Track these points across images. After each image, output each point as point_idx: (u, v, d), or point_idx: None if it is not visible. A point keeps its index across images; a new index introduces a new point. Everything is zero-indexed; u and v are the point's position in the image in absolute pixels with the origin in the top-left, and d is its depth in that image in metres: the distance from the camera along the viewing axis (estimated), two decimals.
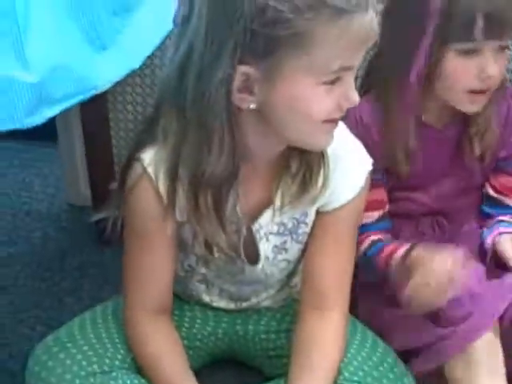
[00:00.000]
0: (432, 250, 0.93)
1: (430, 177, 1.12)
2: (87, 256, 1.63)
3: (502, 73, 1.04)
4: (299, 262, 0.96)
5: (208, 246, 0.87)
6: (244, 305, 0.99)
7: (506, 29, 0.98)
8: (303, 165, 0.85)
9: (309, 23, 0.71)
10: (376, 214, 1.09)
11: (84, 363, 0.87)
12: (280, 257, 0.93)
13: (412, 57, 1.01)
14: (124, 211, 0.86)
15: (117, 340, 0.92)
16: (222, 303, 0.99)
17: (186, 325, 0.99)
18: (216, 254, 0.88)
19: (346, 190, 0.88)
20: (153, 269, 0.88)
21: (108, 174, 1.58)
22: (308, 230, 0.91)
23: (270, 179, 0.87)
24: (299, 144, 0.82)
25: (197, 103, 0.75)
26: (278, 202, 0.87)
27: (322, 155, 0.85)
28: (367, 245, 1.07)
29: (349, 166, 0.88)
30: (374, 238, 1.08)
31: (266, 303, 1.00)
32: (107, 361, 0.89)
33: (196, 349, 0.99)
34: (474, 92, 1.02)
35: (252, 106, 0.75)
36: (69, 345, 0.91)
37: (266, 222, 0.89)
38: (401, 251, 1.00)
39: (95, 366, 0.88)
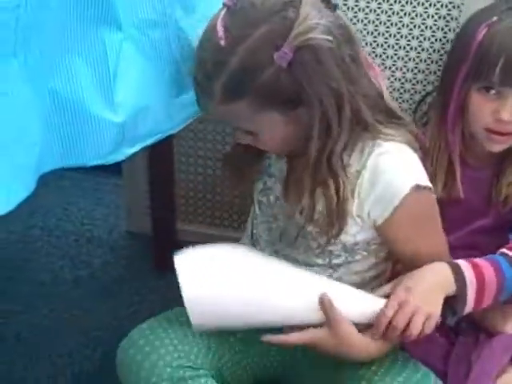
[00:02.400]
0: None
1: (466, 213, 1.16)
2: (145, 282, 1.69)
3: None
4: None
5: None
6: None
7: None
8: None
9: None
10: None
11: (175, 355, 0.95)
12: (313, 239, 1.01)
13: (451, 94, 1.10)
14: None
15: (199, 340, 1.00)
16: None
17: (244, 339, 1.07)
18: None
19: (389, 200, 0.94)
20: None
21: (168, 204, 1.66)
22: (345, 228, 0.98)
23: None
24: None
25: None
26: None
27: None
28: None
29: (390, 179, 0.94)
30: None
31: None
32: (192, 357, 0.97)
33: (250, 364, 1.07)
34: (491, 131, 1.08)
35: None
36: (162, 335, 0.98)
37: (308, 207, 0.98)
38: None
39: (184, 360, 0.95)
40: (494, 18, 1.07)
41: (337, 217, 0.94)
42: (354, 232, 0.99)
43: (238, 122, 0.95)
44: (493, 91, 1.06)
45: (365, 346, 0.94)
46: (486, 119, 1.08)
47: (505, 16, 1.07)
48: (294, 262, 1.03)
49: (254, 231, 1.13)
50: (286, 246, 1.05)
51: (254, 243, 1.13)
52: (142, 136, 0.89)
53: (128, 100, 0.84)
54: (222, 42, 0.86)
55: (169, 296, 1.62)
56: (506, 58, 1.03)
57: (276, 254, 1.07)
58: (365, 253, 1.03)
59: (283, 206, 1.03)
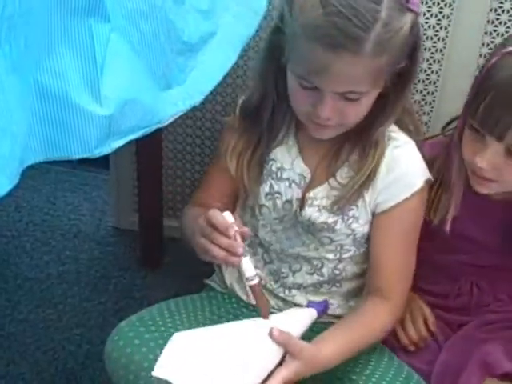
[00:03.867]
0: None
1: (472, 242, 1.11)
2: (131, 278, 1.68)
3: (499, 174, 0.99)
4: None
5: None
6: (282, 282, 1.09)
7: (501, 127, 0.93)
8: (357, 147, 1.01)
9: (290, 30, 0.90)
10: None
11: None
12: (326, 233, 1.03)
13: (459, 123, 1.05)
14: None
15: None
16: (264, 273, 1.10)
17: None
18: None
19: (401, 189, 1.00)
20: (214, 180, 1.11)
21: (155, 200, 1.65)
22: (358, 214, 1.02)
23: (332, 157, 1.02)
24: None
25: None
26: (333, 180, 1.01)
27: (376, 145, 0.99)
28: None
29: (406, 170, 1.00)
30: None
31: (298, 296, 1.09)
32: None
33: None
34: (472, 172, 1.01)
35: None
36: (152, 328, 0.98)
37: (321, 195, 1.02)
38: None
39: None
40: (511, 48, 0.96)
41: (361, 185, 0.99)
42: (364, 222, 1.03)
43: (360, 83, 0.90)
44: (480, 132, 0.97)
45: (330, 353, 0.94)
46: (467, 158, 1.01)
47: None
48: (304, 260, 1.07)
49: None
50: (295, 245, 1.07)
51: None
52: (129, 129, 0.87)
53: (115, 93, 0.82)
54: None
55: (155, 292, 1.62)
56: (492, 96, 0.93)
57: (282, 252, 1.08)
58: (366, 245, 1.06)
59: (291, 209, 1.05)
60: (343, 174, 1.02)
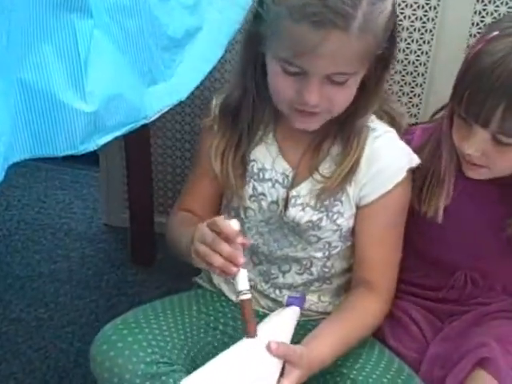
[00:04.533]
0: None
1: (468, 231, 1.10)
2: (123, 276, 1.68)
3: (488, 160, 0.99)
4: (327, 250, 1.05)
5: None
6: (271, 284, 1.08)
7: (485, 114, 0.93)
8: (338, 139, 1.00)
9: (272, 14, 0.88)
10: None
11: (149, 350, 0.94)
12: (312, 232, 1.03)
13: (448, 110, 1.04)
14: None
15: (175, 335, 1.00)
16: (254, 274, 1.09)
17: (230, 332, 1.08)
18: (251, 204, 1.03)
19: (384, 182, 1.00)
20: (196, 185, 1.11)
21: (146, 197, 1.65)
22: (342, 210, 1.01)
23: (314, 151, 1.01)
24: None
25: None
26: (317, 175, 1.00)
27: (358, 136, 0.99)
28: None
29: (388, 162, 1.00)
30: None
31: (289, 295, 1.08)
32: (167, 353, 0.96)
33: None
34: (462, 157, 1.02)
35: None
36: (136, 330, 0.98)
37: (304, 192, 1.01)
38: None
39: (158, 356, 0.94)
40: (495, 33, 0.96)
41: (345, 176, 0.98)
42: (348, 216, 1.03)
43: (348, 63, 0.89)
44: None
45: (327, 352, 0.95)
46: (458, 144, 1.01)
47: (506, 33, 0.95)
48: (293, 260, 1.06)
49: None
50: (283, 246, 1.06)
51: None
52: (115, 126, 0.86)
53: (99, 89, 0.82)
54: None
55: (147, 289, 1.62)
56: (475, 83, 0.93)
57: (270, 254, 1.07)
58: (352, 238, 1.06)
59: (277, 210, 1.04)
60: (326, 168, 1.01)
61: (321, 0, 0.83)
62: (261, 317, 1.07)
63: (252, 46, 0.97)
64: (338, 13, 0.84)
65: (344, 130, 0.99)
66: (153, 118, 0.93)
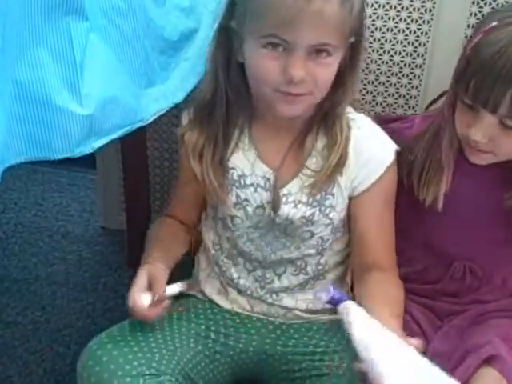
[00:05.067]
0: None
1: (465, 219, 1.10)
2: (120, 279, 1.68)
3: (494, 145, 1.00)
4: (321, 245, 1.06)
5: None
6: (268, 288, 1.07)
7: (493, 100, 0.95)
8: (321, 133, 1.01)
9: None
10: None
11: (135, 363, 0.94)
12: (306, 228, 1.03)
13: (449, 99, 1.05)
14: None
15: (162, 346, 0.99)
16: (249, 282, 1.08)
17: (222, 339, 1.06)
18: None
19: (375, 169, 1.02)
20: (180, 192, 1.14)
21: (142, 199, 1.64)
22: (335, 203, 1.02)
23: (298, 148, 1.02)
24: (270, 111, 0.98)
25: None
26: (306, 170, 1.01)
27: (340, 127, 1.00)
28: None
29: (375, 150, 1.02)
30: None
31: (286, 298, 1.08)
32: (154, 364, 0.95)
33: (226, 364, 1.06)
34: (467, 144, 1.03)
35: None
36: (121, 343, 0.97)
37: (295, 190, 1.01)
38: None
39: (144, 368, 0.94)
40: (494, 23, 0.98)
41: (335, 168, 0.99)
42: (340, 209, 1.03)
43: (330, 34, 0.90)
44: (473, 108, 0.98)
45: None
46: (462, 131, 1.03)
47: (505, 23, 0.96)
48: (288, 262, 1.06)
49: (212, 244, 1.12)
50: (276, 249, 1.06)
51: (213, 255, 1.12)
52: (111, 128, 0.86)
53: (95, 92, 0.82)
54: None
55: None
56: (481, 73, 0.95)
57: (264, 259, 1.07)
58: (343, 229, 1.07)
59: (264, 213, 1.03)
60: (313, 163, 1.01)
61: None
62: (254, 322, 1.08)
63: (225, 43, 0.97)
64: None
65: (326, 123, 1.00)
66: (149, 121, 0.93)
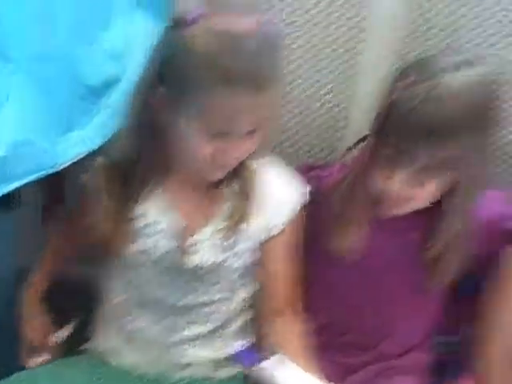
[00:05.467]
0: None
1: (377, 270, 1.12)
2: None
3: (418, 194, 1.03)
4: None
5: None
6: (177, 338, 1.07)
7: (411, 152, 0.98)
8: (235, 180, 1.03)
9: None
10: None
11: None
12: (216, 273, 1.04)
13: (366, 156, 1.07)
14: None
15: None
16: (157, 329, 1.07)
17: None
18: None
19: (282, 215, 1.04)
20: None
21: None
22: (245, 248, 1.04)
23: (212, 195, 1.03)
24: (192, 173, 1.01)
25: None
26: (218, 216, 1.02)
27: (253, 174, 1.02)
28: None
29: (283, 193, 1.05)
30: None
31: (197, 351, 1.08)
32: None
33: None
34: (389, 197, 1.05)
35: None
36: None
37: (207, 236, 1.02)
38: None
39: None
40: (411, 78, 0.99)
41: (246, 213, 1.02)
42: (251, 253, 1.05)
43: (265, 117, 0.94)
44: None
45: None
46: (380, 184, 1.04)
47: (422, 78, 0.98)
48: (199, 307, 1.06)
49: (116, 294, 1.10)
50: (188, 293, 1.05)
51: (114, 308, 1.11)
52: (23, 173, 0.85)
53: (7, 134, 0.81)
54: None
55: None
56: (398, 129, 0.98)
57: (174, 305, 1.06)
58: (251, 274, 1.08)
59: (172, 259, 1.03)
60: (225, 209, 1.03)
61: (250, 63, 0.89)
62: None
63: (149, 104, 0.96)
64: (260, 75, 0.90)
65: (237, 171, 1.01)
66: (62, 167, 0.91)
